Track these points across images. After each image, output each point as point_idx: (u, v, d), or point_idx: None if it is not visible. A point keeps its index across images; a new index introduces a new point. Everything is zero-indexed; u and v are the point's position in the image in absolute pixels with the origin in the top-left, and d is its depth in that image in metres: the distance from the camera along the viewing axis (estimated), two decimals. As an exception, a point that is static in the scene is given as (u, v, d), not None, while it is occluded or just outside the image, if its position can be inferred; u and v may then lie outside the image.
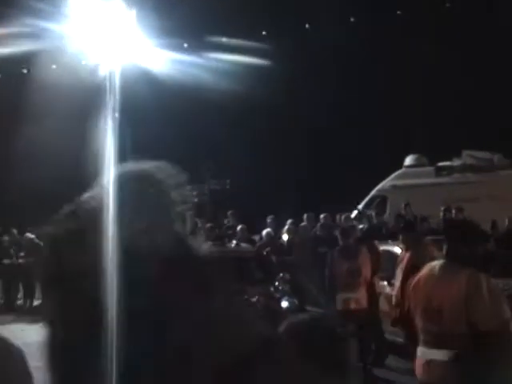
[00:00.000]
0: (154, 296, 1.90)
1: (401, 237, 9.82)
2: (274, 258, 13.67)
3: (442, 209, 15.77)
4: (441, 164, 21.22)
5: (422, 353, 5.03)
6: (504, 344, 4.62)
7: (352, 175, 22.39)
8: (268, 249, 13.90)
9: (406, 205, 16.80)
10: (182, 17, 21.08)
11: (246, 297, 10.42)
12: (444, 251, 5.08)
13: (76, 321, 1.93)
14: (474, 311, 4.67)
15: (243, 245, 14.00)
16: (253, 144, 24.41)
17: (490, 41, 24.31)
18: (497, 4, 23.74)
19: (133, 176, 2.15)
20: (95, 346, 1.86)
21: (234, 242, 13.97)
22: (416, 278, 5.28)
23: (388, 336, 10.92)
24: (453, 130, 23.63)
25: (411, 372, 5.45)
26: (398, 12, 25.50)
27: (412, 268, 8.55)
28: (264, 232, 14.89)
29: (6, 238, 19.53)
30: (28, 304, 18.43)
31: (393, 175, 21.19)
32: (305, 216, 15.97)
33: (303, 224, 15.37)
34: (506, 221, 15.18)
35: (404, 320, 8.82)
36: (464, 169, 20.78)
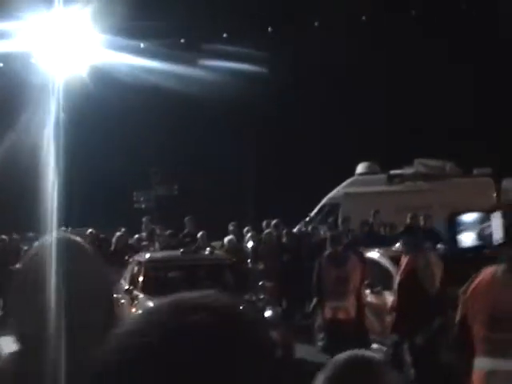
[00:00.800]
0: None
1: (401, 241, 9.63)
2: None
3: (409, 216, 15.60)
4: (393, 172, 21.03)
5: (484, 363, 4.69)
6: None
7: (301, 183, 22.08)
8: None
9: (375, 212, 16.55)
10: (140, 17, 20.58)
11: None
12: (506, 257, 4.85)
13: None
14: None
15: (217, 252, 13.59)
16: (200, 148, 23.95)
17: (437, 49, 24.35)
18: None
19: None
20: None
21: (209, 249, 13.46)
22: (473, 285, 4.95)
23: (374, 346, 10.64)
24: (404, 137, 23.52)
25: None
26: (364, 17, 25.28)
27: (412, 272, 8.64)
28: (226, 239, 14.54)
29: None
30: None
31: (345, 183, 20.91)
32: (264, 223, 15.72)
33: (268, 231, 15.06)
34: None
35: (401, 323, 8.58)
36: (416, 177, 20.63)
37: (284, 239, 14.56)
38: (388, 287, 10.69)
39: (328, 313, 10.05)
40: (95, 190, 24.52)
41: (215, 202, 21.97)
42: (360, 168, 21.16)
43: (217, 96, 21.72)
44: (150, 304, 10.79)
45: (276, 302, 12.13)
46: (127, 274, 12.76)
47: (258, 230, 15.35)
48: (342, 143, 23.70)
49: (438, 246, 11.38)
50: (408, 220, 15.34)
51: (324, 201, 20.54)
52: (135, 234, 17.13)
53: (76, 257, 1.97)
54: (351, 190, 20.43)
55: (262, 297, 11.63)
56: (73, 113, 19.61)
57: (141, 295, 11.40)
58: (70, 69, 19.46)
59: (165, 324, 0.95)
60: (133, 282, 12.04)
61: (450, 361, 8.60)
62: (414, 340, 8.56)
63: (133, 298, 11.47)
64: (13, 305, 2.02)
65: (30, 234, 17.02)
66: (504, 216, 5.83)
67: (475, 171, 20.69)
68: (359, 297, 10.33)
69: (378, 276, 11.14)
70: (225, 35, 23.70)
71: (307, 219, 18.89)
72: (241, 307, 1.03)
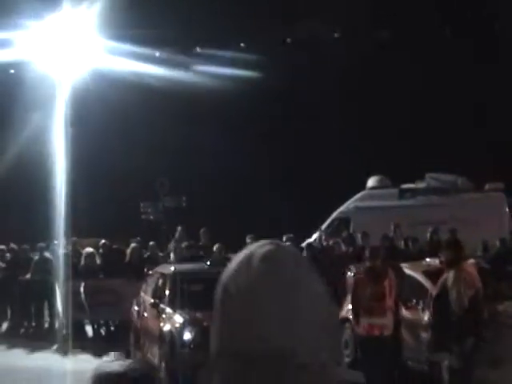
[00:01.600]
0: None
1: (443, 254, 9.23)
2: None
3: (430, 230, 15.46)
4: (404, 186, 20.79)
5: None
6: None
7: (312, 196, 21.83)
8: None
9: (396, 226, 16.40)
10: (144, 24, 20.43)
11: None
12: None
13: None
14: None
15: None
16: (209, 159, 23.73)
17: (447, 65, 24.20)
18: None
19: None
20: None
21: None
22: None
23: (410, 363, 10.51)
24: (415, 151, 23.31)
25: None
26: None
27: (445, 289, 8.41)
28: None
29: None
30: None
31: (356, 196, 20.65)
32: (284, 237, 15.60)
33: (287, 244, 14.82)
34: (498, 242, 15.17)
35: (437, 341, 8.38)
36: (428, 191, 20.39)
37: (305, 252, 14.34)
38: (422, 302, 10.56)
39: (363, 329, 9.69)
40: (101, 200, 24.26)
41: (224, 214, 21.70)
42: (371, 182, 20.91)
43: (228, 104, 21.55)
44: (178, 318, 10.60)
45: None
46: (149, 287, 12.42)
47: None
48: (352, 157, 23.47)
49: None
50: (428, 235, 15.20)
51: (335, 214, 20.29)
52: (145, 245, 16.86)
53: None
54: (362, 204, 20.19)
55: None
56: (79, 122, 19.43)
57: (168, 309, 11.09)
58: (75, 76, 19.31)
59: None
60: (158, 294, 11.65)
61: (486, 379, 8.40)
62: (449, 360, 8.29)
63: (159, 312, 11.13)
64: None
65: (41, 244, 16.69)
66: None
67: (487, 186, 20.46)
68: (396, 312, 9.96)
69: (411, 291, 10.90)
70: (231, 41, 23.57)
71: (317, 233, 18.65)
72: None
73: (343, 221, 19.82)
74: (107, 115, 22.27)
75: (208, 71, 22.45)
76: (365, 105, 24.49)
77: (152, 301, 11.55)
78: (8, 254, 17.04)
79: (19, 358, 13.20)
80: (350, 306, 10.97)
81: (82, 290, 15.01)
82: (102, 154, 24.07)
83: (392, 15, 24.83)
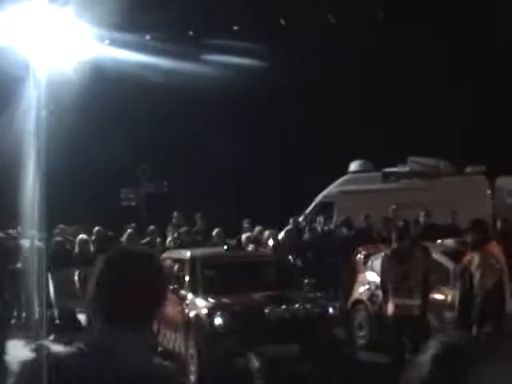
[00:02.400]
0: None
1: (469, 237, 9.25)
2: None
3: (422, 214, 15.44)
4: (388, 170, 20.73)
5: None
6: None
7: (295, 180, 21.72)
8: None
9: (395, 209, 16.36)
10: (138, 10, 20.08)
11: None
12: None
13: None
14: None
15: (261, 249, 13.31)
16: (192, 145, 23.51)
17: (436, 47, 24.15)
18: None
19: None
20: None
21: (252, 245, 13.10)
22: None
23: None
24: (397, 135, 23.26)
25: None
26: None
27: (466, 271, 8.62)
28: (244, 236, 14.28)
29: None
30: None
31: (338, 181, 20.57)
32: (291, 220, 15.71)
33: (289, 228, 14.81)
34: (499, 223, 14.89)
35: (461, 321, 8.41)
36: (411, 175, 20.35)
37: (306, 236, 14.34)
38: (445, 282, 10.68)
39: (391, 310, 9.60)
40: (80, 187, 23.94)
41: (209, 199, 21.49)
42: (353, 166, 20.83)
43: (209, 89, 21.31)
44: (204, 303, 10.42)
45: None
46: None
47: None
48: (334, 141, 23.38)
49: None
50: (421, 218, 15.19)
51: (318, 199, 20.21)
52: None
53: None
54: (345, 188, 20.12)
55: (319, 294, 11.38)
56: (58, 107, 19.08)
57: (190, 295, 10.86)
58: (56, 62, 18.93)
59: None
60: (177, 280, 11.35)
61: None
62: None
63: (181, 298, 10.86)
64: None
65: (32, 232, 16.20)
66: None
67: (469, 169, 20.45)
68: (424, 294, 9.85)
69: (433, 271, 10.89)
70: (225, 29, 23.26)
71: (301, 217, 18.56)
72: None
73: (326, 205, 19.76)
74: (88, 100, 21.93)
75: (209, 60, 22.09)
76: (345, 89, 24.34)
77: (171, 286, 11.25)
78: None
79: (13, 350, 12.87)
80: (366, 287, 11.04)
81: (75, 278, 14.61)
82: (80, 142, 23.71)
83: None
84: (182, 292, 10.95)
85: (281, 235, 15.08)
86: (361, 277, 12.85)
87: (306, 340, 9.89)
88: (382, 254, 10.73)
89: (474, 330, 8.31)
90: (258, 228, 15.77)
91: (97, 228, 16.20)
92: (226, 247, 12.30)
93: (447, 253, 11.21)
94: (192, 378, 10.08)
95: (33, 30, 18.29)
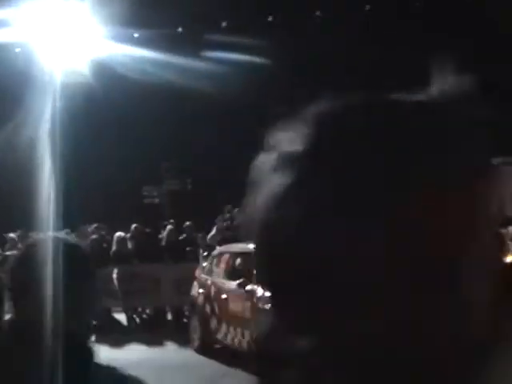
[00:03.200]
0: None
1: None
2: None
3: None
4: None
5: None
6: None
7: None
8: None
9: None
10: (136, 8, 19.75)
11: None
12: None
13: None
14: None
15: None
16: (212, 140, 23.11)
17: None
18: None
19: None
20: None
21: None
22: None
23: None
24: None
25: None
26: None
27: None
28: None
29: None
30: None
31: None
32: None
33: None
34: None
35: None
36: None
37: None
38: None
39: None
40: (102, 185, 23.66)
41: (231, 195, 21.02)
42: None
43: (227, 88, 20.92)
44: (265, 294, 9.93)
45: None
46: (218, 268, 12.04)
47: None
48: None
49: None
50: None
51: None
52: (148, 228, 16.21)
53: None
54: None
55: None
56: (76, 105, 18.79)
57: (260, 289, 10.15)
58: (71, 60, 18.64)
59: None
60: (238, 275, 11.18)
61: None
62: None
63: (249, 293, 10.56)
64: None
65: (67, 231, 15.87)
66: None
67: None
68: None
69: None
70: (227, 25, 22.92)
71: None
72: None
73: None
74: (106, 98, 21.69)
75: (217, 57, 21.70)
76: (340, 88, 23.71)
77: (238, 281, 10.94)
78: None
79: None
80: None
81: (114, 276, 14.23)
82: (97, 142, 23.44)
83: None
84: (250, 287, 10.55)
85: None
86: None
87: None
88: None
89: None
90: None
91: (134, 225, 15.64)
92: None
93: None
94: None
95: (47, 28, 18.05)
